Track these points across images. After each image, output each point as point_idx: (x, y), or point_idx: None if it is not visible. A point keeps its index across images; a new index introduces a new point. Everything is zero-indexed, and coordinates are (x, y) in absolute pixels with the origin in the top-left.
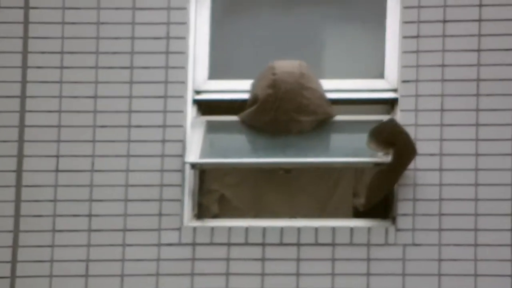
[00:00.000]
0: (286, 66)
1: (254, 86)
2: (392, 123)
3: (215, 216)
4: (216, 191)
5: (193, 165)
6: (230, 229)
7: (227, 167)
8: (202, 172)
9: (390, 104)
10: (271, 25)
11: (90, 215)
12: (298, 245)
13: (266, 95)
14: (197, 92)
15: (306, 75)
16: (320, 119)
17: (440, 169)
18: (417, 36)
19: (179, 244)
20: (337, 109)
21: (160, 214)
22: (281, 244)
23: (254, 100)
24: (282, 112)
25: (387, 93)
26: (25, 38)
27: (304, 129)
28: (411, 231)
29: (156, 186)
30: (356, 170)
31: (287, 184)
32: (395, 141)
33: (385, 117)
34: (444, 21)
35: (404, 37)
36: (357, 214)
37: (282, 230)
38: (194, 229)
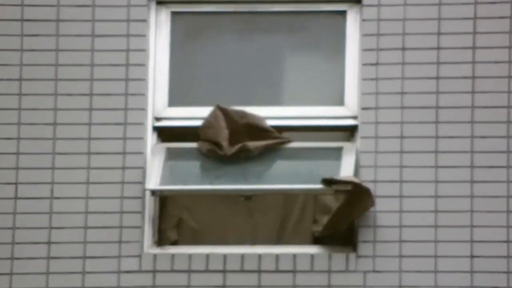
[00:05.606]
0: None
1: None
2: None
3: (174, 242)
4: (175, 215)
5: (153, 192)
6: (190, 256)
7: (187, 194)
8: (163, 199)
9: (350, 131)
10: (231, 52)
11: (49, 243)
12: (259, 272)
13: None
14: (157, 119)
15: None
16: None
17: (400, 196)
18: (377, 64)
19: (140, 271)
20: (298, 136)
21: (120, 241)
22: (242, 271)
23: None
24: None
25: (347, 120)
26: None
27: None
28: (372, 258)
29: (116, 213)
30: (316, 197)
31: (247, 210)
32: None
33: (343, 144)
34: (403, 49)
35: (364, 64)
36: (317, 240)
37: (243, 257)
38: (155, 256)
